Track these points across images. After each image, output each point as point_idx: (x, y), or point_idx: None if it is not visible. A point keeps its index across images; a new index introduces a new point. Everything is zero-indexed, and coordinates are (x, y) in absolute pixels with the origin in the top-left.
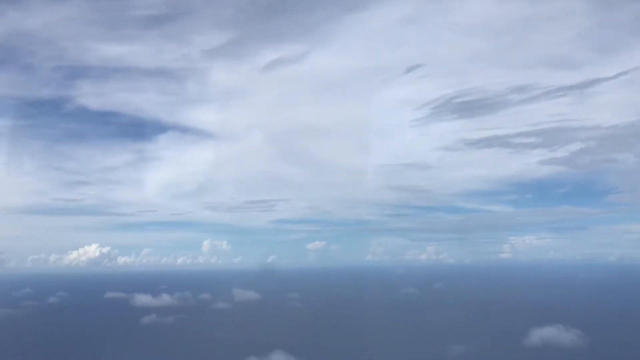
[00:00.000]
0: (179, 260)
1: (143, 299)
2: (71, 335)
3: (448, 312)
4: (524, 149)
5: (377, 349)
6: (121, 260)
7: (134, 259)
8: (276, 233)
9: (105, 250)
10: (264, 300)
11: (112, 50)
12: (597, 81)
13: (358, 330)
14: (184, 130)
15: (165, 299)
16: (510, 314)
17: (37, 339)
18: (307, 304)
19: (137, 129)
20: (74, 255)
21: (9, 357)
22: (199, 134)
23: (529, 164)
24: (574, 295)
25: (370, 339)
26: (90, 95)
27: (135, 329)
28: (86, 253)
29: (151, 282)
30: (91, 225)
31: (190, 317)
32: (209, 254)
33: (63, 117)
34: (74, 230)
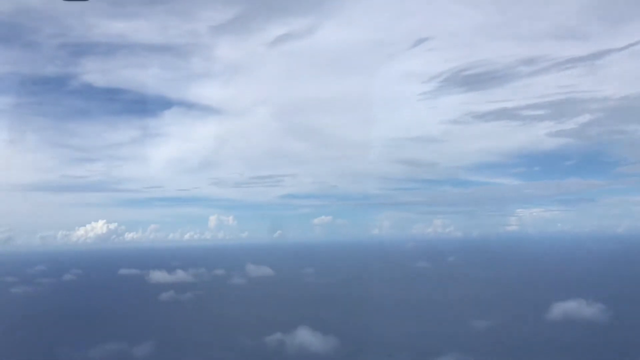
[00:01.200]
0: (186, 236)
1: (158, 276)
2: (91, 313)
3: (466, 286)
4: (532, 122)
5: (401, 324)
6: (128, 236)
7: (141, 234)
8: (283, 208)
9: (112, 226)
10: (278, 275)
11: (117, 27)
12: (606, 52)
13: (378, 305)
14: (189, 106)
15: (181, 275)
16: (529, 287)
17: (57, 316)
18: (322, 279)
19: (143, 106)
20: (81, 231)
21: (29, 333)
22: (204, 110)
23: (537, 136)
24: (589, 267)
25: (392, 314)
26: (96, 72)
27: (155, 306)
28: (94, 229)
29: (162, 258)
30: (98, 202)
31: (208, 294)
32: (216, 229)
33: (68, 95)
34: (81, 207)
